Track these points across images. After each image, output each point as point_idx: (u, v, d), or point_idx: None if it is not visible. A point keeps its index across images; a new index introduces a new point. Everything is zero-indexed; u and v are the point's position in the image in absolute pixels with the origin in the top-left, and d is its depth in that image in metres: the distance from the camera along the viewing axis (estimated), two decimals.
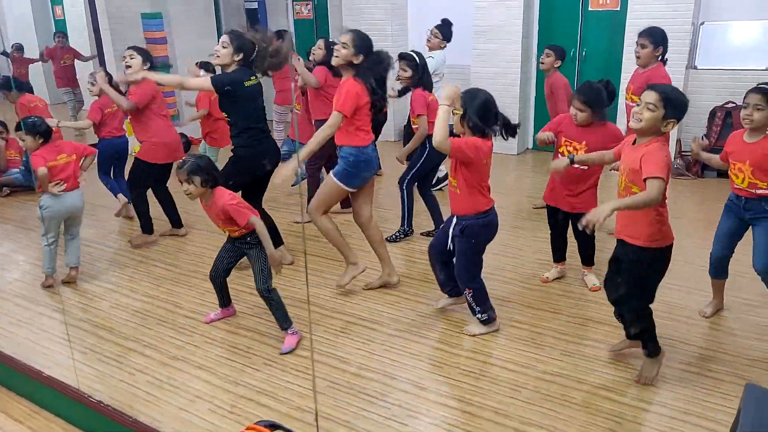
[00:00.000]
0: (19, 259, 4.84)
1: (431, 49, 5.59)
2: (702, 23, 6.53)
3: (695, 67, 6.53)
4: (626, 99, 4.56)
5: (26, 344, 3.54)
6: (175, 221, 5.10)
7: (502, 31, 7.15)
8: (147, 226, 4.93)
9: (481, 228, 3.28)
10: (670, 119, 2.61)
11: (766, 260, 3.23)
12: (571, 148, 3.73)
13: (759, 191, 3.16)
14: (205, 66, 6.04)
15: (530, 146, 7.67)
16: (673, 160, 6.39)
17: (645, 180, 2.55)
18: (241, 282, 4.17)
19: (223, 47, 3.88)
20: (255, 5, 9.55)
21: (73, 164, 4.10)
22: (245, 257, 3.48)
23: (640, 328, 2.92)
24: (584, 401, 2.91)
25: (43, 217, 4.08)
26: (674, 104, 2.61)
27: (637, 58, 4.39)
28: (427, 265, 4.25)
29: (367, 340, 3.47)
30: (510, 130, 3.22)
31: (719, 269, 3.51)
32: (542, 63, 5.29)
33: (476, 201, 3.24)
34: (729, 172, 3.32)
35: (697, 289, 3.84)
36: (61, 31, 9.65)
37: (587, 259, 4.03)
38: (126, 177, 5.09)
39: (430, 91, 4.68)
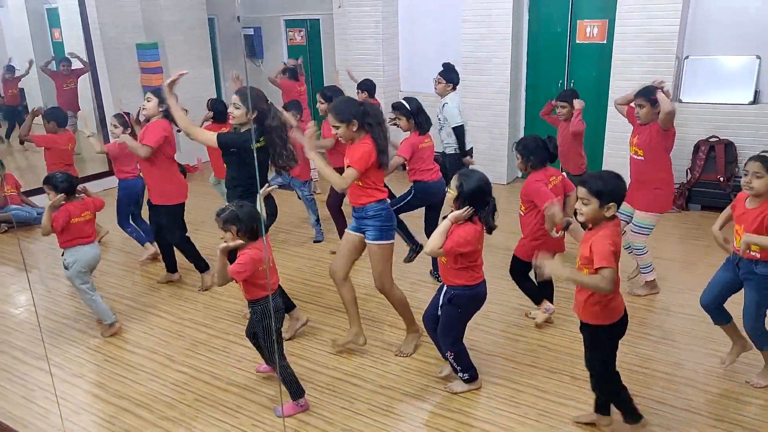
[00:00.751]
0: (18, 302, 4.95)
1: (441, 95, 5.49)
2: (686, 57, 6.65)
3: (680, 101, 6.63)
4: (631, 152, 4.55)
5: (22, 404, 3.64)
6: (172, 265, 5.21)
7: (491, 62, 7.27)
8: (201, 265, 5.03)
9: (469, 299, 3.38)
10: (609, 204, 2.73)
11: (751, 322, 3.38)
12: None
13: (752, 254, 3.26)
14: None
15: (519, 175, 7.79)
16: None
17: (596, 270, 2.69)
18: (234, 333, 4.30)
19: (236, 108, 3.95)
20: (251, 32, 9.67)
21: (91, 222, 4.27)
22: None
23: (609, 393, 3.06)
24: None
25: (75, 274, 4.20)
26: (606, 191, 2.72)
27: (638, 117, 4.44)
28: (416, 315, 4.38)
29: (352, 399, 3.59)
30: (492, 220, 3.27)
31: (716, 315, 3.58)
32: (560, 114, 5.43)
33: (466, 276, 3.32)
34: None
35: (668, 340, 3.97)
36: (66, 58, 9.63)
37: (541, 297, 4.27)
38: (149, 223, 5.18)
39: (424, 132, 4.76)
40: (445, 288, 3.42)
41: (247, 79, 9.44)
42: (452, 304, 3.38)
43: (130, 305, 4.82)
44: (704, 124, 6.51)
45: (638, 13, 6.39)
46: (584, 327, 2.99)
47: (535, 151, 3.89)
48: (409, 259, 5.04)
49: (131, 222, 5.55)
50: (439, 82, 5.47)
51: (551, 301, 4.27)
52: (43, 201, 6.84)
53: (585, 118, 5.39)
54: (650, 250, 4.56)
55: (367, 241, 3.76)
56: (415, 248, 4.99)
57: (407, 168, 4.78)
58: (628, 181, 3.91)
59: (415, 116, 4.71)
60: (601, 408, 3.16)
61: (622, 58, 6.62)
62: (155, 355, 4.11)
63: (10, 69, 8.34)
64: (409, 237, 5.03)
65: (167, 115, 4.59)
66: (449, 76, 5.49)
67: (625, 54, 6.57)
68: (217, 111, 6.19)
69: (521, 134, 7.72)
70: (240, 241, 3.14)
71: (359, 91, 5.98)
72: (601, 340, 2.94)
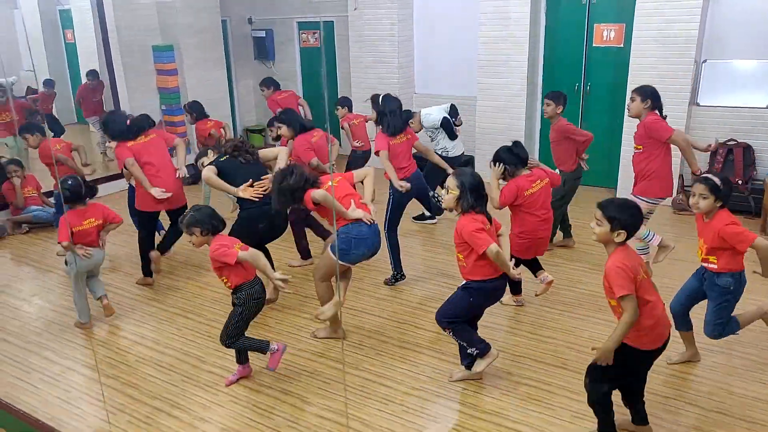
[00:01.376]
0: (43, 305, 4.98)
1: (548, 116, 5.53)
2: (704, 61, 6.68)
3: (698, 104, 6.67)
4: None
5: (57, 403, 3.68)
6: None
7: (507, 65, 7.30)
8: None
9: (483, 292, 3.49)
10: (619, 231, 2.79)
11: (711, 330, 3.62)
12: None
13: (710, 266, 3.48)
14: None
15: None
16: (675, 194, 6.58)
17: (619, 300, 2.76)
18: (262, 335, 4.33)
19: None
20: (263, 34, 9.70)
21: (98, 227, 4.33)
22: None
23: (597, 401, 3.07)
24: None
25: (71, 272, 4.31)
26: (619, 218, 2.78)
27: (628, 109, 4.76)
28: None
29: (386, 400, 3.61)
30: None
31: (679, 321, 3.72)
32: (545, 112, 5.40)
33: (483, 271, 3.41)
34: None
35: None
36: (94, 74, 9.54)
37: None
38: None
39: (393, 134, 5.00)
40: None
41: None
42: (465, 290, 3.50)
43: (157, 307, 4.85)
44: (722, 127, 6.54)
45: (657, 17, 6.41)
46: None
47: (508, 159, 4.11)
48: (390, 282, 5.06)
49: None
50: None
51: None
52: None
53: (600, 122, 5.45)
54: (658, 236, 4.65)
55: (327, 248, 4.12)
56: (397, 277, 5.07)
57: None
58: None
59: (382, 115, 5.03)
60: (641, 419, 3.16)
61: (639, 62, 6.64)
62: (186, 357, 4.13)
63: (50, 83, 8.35)
64: (396, 263, 5.06)
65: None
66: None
67: (642, 58, 6.60)
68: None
69: (537, 137, 7.76)
70: (202, 239, 3.53)
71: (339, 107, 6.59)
72: (629, 362, 2.92)
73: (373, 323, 4.47)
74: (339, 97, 7.54)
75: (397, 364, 3.96)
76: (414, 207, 5.78)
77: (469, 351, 3.61)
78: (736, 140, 6.45)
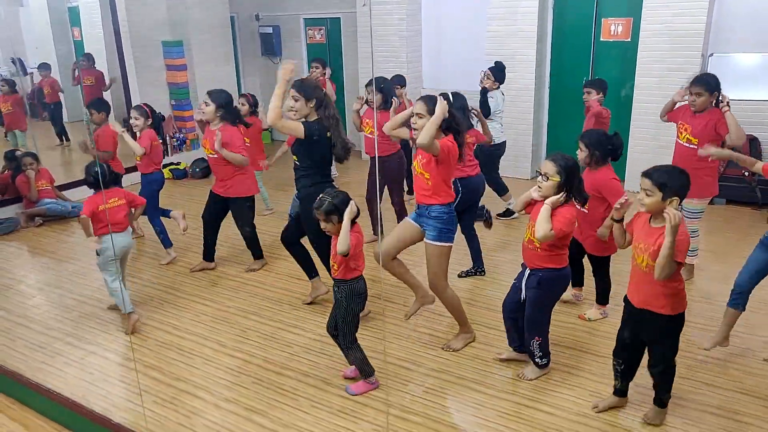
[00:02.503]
0: (62, 293, 5.03)
1: (488, 90, 5.99)
2: (711, 54, 6.75)
3: None
4: (681, 140, 4.52)
5: (83, 386, 3.73)
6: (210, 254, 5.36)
7: (516, 59, 7.36)
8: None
9: (557, 280, 3.43)
10: (672, 198, 2.80)
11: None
12: None
13: None
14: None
15: None
16: None
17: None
18: (281, 320, 4.40)
19: (295, 100, 4.05)
20: (269, 30, 9.77)
21: (124, 208, 4.36)
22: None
23: (670, 383, 3.15)
24: None
25: (103, 261, 4.30)
26: (671, 185, 2.80)
27: (693, 106, 4.40)
28: (466, 308, 4.47)
29: (406, 381, 3.67)
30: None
31: (741, 299, 3.65)
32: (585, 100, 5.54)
33: (556, 259, 3.37)
34: None
35: (713, 326, 4.05)
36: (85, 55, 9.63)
37: (599, 298, 4.31)
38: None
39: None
40: (528, 272, 3.44)
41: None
42: (541, 287, 3.40)
43: (174, 294, 4.91)
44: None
45: (664, 11, 6.49)
46: (647, 317, 2.98)
47: (599, 145, 3.86)
48: (465, 274, 5.07)
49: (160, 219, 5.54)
50: (488, 78, 5.87)
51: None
52: (75, 195, 6.98)
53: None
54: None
55: (427, 240, 3.77)
56: (478, 271, 5.09)
57: None
58: None
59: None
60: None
61: (647, 56, 6.72)
62: (206, 341, 4.19)
63: (45, 66, 8.32)
64: (478, 256, 5.07)
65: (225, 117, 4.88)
66: (498, 74, 6.02)
67: (650, 52, 6.68)
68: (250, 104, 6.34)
69: (545, 131, 7.84)
70: (338, 226, 3.28)
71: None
72: (671, 331, 2.99)
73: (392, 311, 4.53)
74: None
75: (415, 349, 4.02)
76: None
77: (537, 360, 3.58)
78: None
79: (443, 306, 3.98)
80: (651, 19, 6.60)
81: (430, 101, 3.58)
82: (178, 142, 8.79)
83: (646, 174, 2.86)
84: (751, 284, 3.64)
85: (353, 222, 3.27)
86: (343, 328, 3.47)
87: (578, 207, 3.45)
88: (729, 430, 3.17)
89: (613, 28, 7.13)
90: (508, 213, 6.36)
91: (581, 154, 3.89)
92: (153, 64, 8.46)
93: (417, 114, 3.61)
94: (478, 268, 5.07)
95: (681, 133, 4.47)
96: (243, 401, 3.53)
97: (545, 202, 3.22)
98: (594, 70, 7.34)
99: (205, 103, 4.84)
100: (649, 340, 3.07)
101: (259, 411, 3.44)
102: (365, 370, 3.55)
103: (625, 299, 3.11)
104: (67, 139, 8.38)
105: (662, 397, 3.18)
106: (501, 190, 6.27)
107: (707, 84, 4.31)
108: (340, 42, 9.46)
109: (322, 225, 3.33)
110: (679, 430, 3.18)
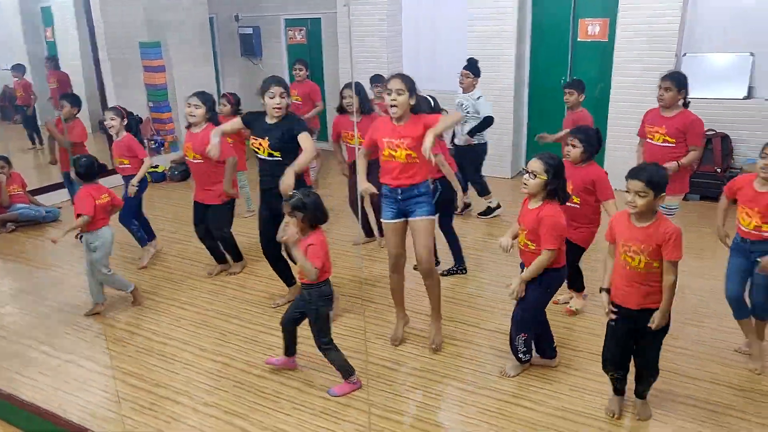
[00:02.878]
0: (36, 300, 4.93)
1: (465, 89, 6.00)
2: (684, 54, 6.85)
3: None
4: (656, 141, 4.48)
5: (58, 395, 3.66)
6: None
7: (496, 60, 7.40)
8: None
9: (558, 280, 3.47)
10: (661, 194, 2.86)
11: (762, 297, 3.53)
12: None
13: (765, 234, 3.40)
14: None
15: (521, 170, 7.94)
16: None
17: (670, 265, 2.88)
18: (262, 323, 4.37)
19: (282, 98, 4.03)
20: (249, 31, 9.71)
21: (110, 203, 4.43)
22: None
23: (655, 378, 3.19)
24: None
25: (103, 256, 4.37)
26: (659, 181, 2.85)
27: (662, 100, 4.44)
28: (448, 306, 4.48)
29: (390, 381, 3.67)
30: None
31: (742, 307, 3.65)
32: (568, 101, 5.49)
33: (557, 258, 3.38)
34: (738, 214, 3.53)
35: (693, 321, 4.12)
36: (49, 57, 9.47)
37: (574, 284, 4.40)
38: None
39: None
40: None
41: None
42: (543, 287, 3.41)
43: (152, 299, 4.85)
44: (701, 118, 6.68)
45: (639, 12, 6.58)
46: (646, 315, 2.99)
47: (592, 141, 3.94)
48: (447, 272, 5.05)
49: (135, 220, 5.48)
50: (466, 77, 5.82)
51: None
52: (50, 199, 6.88)
53: None
54: None
55: (418, 217, 3.74)
56: (459, 269, 5.10)
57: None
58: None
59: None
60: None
61: (623, 56, 6.80)
62: (186, 346, 4.14)
63: (19, 68, 8.18)
64: (459, 255, 5.09)
65: (212, 120, 4.80)
66: (474, 69, 5.89)
67: (626, 51, 6.76)
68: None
69: (525, 131, 7.88)
70: (302, 225, 3.28)
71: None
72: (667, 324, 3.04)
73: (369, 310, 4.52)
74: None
75: (399, 349, 4.02)
76: None
77: (520, 356, 3.60)
78: (714, 130, 6.62)
79: (422, 305, 3.97)
80: (627, 20, 6.68)
81: (406, 79, 3.60)
82: (156, 144, 8.69)
83: (636, 176, 2.85)
84: (741, 290, 3.63)
85: (315, 226, 3.31)
86: (317, 332, 3.47)
87: (569, 203, 3.56)
88: (711, 420, 3.22)
89: (590, 29, 7.20)
90: (488, 211, 6.39)
91: (575, 150, 3.93)
92: (130, 65, 8.35)
93: (397, 90, 3.59)
94: (459, 266, 5.08)
95: (654, 135, 4.50)
96: (224, 405, 3.50)
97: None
98: (572, 69, 7.41)
99: (195, 105, 4.76)
100: (646, 339, 3.07)
101: (240, 414, 3.41)
102: (346, 370, 3.54)
103: (617, 307, 3.07)
104: (41, 143, 8.25)
105: (646, 388, 3.22)
106: (483, 190, 6.31)
107: (677, 80, 4.41)
108: (320, 43, 9.44)
109: (286, 218, 3.30)
110: (664, 424, 3.22)
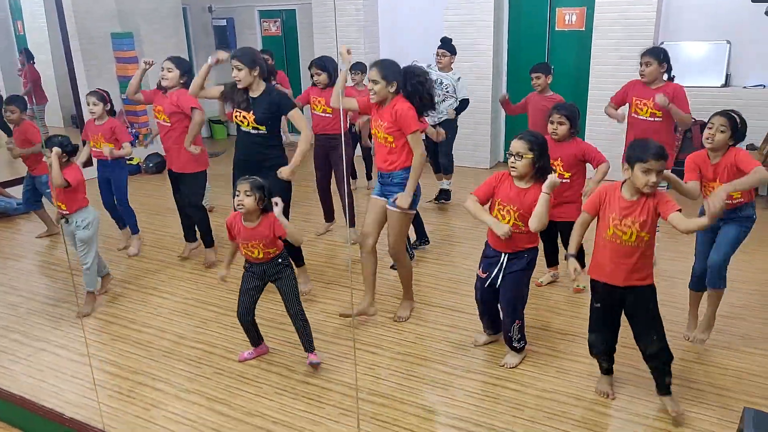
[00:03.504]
0: (5, 291, 4.78)
1: (443, 68, 5.93)
2: (662, 43, 6.90)
3: None
4: (643, 115, 4.55)
5: (32, 383, 3.55)
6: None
7: (474, 49, 7.39)
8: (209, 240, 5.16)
9: (537, 257, 3.47)
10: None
11: (720, 256, 3.51)
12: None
13: (735, 201, 3.43)
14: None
15: (501, 159, 7.95)
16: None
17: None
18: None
19: (239, 70, 3.94)
20: (223, 23, 9.58)
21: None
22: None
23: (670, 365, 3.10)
24: (583, 417, 3.12)
25: (94, 233, 4.26)
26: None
27: (643, 76, 4.49)
28: (421, 287, 4.44)
29: (372, 365, 3.61)
30: None
31: (699, 282, 3.71)
32: (538, 85, 5.29)
33: (536, 237, 3.40)
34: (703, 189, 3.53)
35: (671, 302, 4.13)
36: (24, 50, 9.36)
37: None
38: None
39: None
40: (508, 257, 3.36)
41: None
42: (529, 267, 3.40)
43: (130, 288, 4.73)
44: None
45: (616, 1, 6.62)
46: (631, 294, 2.97)
47: (575, 117, 4.05)
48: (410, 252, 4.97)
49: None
50: (444, 56, 5.79)
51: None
52: (20, 192, 6.68)
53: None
54: None
55: (389, 206, 3.80)
56: (422, 242, 5.11)
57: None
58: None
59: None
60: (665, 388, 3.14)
61: (600, 44, 6.84)
62: (165, 334, 4.05)
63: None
64: (421, 230, 5.09)
65: (186, 85, 4.66)
66: (450, 47, 5.86)
67: (603, 40, 6.80)
68: None
69: (503, 120, 7.89)
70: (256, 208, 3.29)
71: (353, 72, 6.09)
72: (654, 301, 3.00)
73: (344, 294, 4.47)
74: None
75: (379, 332, 3.97)
76: None
77: (515, 344, 3.55)
78: (694, 118, 6.68)
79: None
80: (604, 9, 6.72)
81: (383, 67, 3.62)
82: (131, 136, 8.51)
83: (662, 156, 2.78)
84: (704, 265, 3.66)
85: (266, 210, 3.33)
86: (298, 308, 3.48)
87: (561, 179, 3.70)
88: (686, 398, 3.22)
89: (568, 18, 7.23)
90: (442, 195, 6.30)
91: (562, 127, 3.98)
92: (102, 56, 8.18)
93: (372, 80, 3.65)
94: (421, 240, 5.18)
95: (641, 109, 4.51)
96: (204, 391, 3.42)
97: (543, 191, 3.13)
98: (550, 59, 7.43)
99: (168, 69, 4.67)
100: (638, 320, 3.02)
101: (221, 400, 3.33)
102: (310, 344, 3.57)
103: (600, 286, 3.04)
104: (9, 135, 8.01)
105: (665, 378, 3.09)
106: (449, 168, 6.19)
107: (655, 53, 4.44)
108: (296, 34, 9.35)
109: (242, 197, 3.24)
110: (645, 401, 3.22)
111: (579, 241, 3.12)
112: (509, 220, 3.30)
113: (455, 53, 5.98)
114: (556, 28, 7.32)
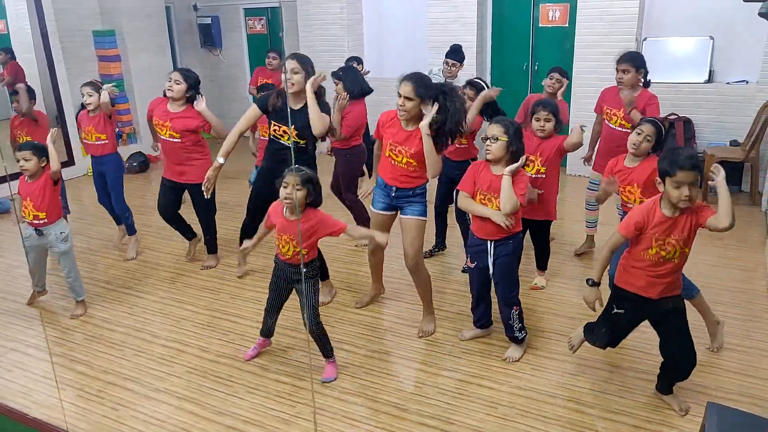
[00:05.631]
0: None
1: (452, 77, 5.77)
2: (645, 39, 6.89)
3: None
4: (613, 124, 4.48)
5: (1, 383, 3.49)
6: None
7: None
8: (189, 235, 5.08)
9: (521, 241, 3.50)
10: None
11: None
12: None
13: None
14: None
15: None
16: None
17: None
18: (218, 309, 4.24)
19: (295, 73, 3.85)
20: (208, 21, 9.52)
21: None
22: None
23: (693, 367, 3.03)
24: (556, 414, 3.09)
25: (71, 245, 4.14)
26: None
27: (621, 83, 4.36)
28: (398, 284, 4.40)
29: (346, 364, 3.58)
30: None
31: None
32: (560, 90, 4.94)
33: (518, 222, 3.41)
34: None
35: None
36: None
37: (543, 264, 4.45)
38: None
39: None
40: (494, 244, 3.37)
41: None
42: (515, 253, 3.43)
43: (105, 287, 4.68)
44: (663, 102, 6.60)
45: None
46: (665, 304, 2.90)
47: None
48: (429, 254, 4.98)
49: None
50: (453, 66, 5.66)
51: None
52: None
53: None
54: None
55: (408, 216, 3.67)
56: (440, 248, 5.05)
57: None
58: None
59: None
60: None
61: (584, 41, 6.82)
62: (139, 333, 3.99)
63: None
64: (442, 233, 5.02)
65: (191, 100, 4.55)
66: (458, 56, 5.75)
67: (587, 36, 6.78)
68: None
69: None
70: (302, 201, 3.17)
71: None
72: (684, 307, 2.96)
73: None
74: None
75: (358, 332, 3.94)
76: None
77: (517, 334, 3.55)
78: (677, 114, 6.68)
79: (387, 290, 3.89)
80: (586, 5, 6.71)
81: (420, 84, 3.42)
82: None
83: (694, 167, 2.64)
84: None
85: (313, 206, 3.25)
86: (316, 309, 3.34)
87: (533, 174, 3.76)
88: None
89: (551, 14, 7.21)
90: None
91: (549, 124, 3.95)
92: (83, 54, 8.11)
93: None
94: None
95: (612, 118, 4.48)
96: (175, 390, 3.37)
97: (505, 173, 3.18)
98: (534, 55, 7.41)
99: (176, 81, 4.45)
100: (669, 327, 2.96)
101: (192, 399, 3.28)
102: (329, 349, 3.46)
103: (631, 296, 2.93)
104: None
105: (679, 380, 3.09)
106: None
107: (633, 60, 4.35)
108: (281, 32, 9.30)
109: (290, 190, 3.11)
110: (618, 397, 3.19)
111: (606, 265, 2.99)
112: (492, 207, 3.33)
113: (461, 62, 5.83)
114: (540, 25, 7.29)
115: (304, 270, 3.28)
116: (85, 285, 4.57)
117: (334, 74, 4.98)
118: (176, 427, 3.08)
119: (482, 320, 3.74)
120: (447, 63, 5.78)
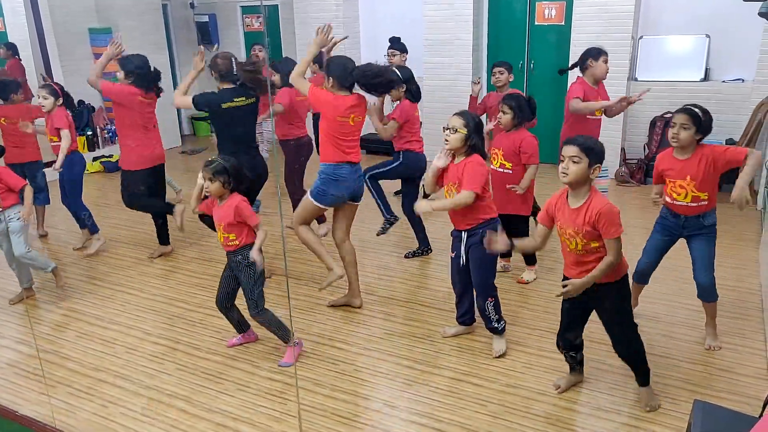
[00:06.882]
0: None
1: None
2: (641, 37, 6.88)
3: (636, 79, 6.87)
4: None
5: None
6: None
7: (453, 44, 7.36)
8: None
9: (493, 229, 3.37)
10: (596, 165, 2.71)
11: (707, 273, 3.43)
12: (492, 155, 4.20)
13: (701, 204, 3.31)
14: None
15: None
16: (619, 167, 6.77)
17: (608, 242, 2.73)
18: (210, 306, 4.24)
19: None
20: (205, 19, 9.51)
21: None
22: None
23: (640, 355, 3.05)
24: (545, 412, 3.08)
25: (26, 232, 4.19)
26: (595, 149, 2.72)
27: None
28: (391, 282, 4.41)
29: (337, 361, 3.57)
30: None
31: (645, 277, 3.73)
32: (499, 80, 5.14)
33: (487, 208, 3.41)
34: (668, 189, 3.43)
35: (647, 297, 4.10)
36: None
37: (529, 259, 4.51)
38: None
39: (416, 101, 4.75)
40: (466, 234, 3.41)
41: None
42: (483, 243, 3.34)
43: (98, 285, 4.68)
44: (659, 101, 6.75)
45: None
46: (597, 291, 2.88)
47: (522, 108, 4.06)
48: (382, 231, 4.98)
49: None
50: (393, 55, 5.76)
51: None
52: None
53: (544, 100, 5.57)
54: None
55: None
56: (390, 220, 4.98)
57: (395, 135, 4.69)
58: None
59: (408, 84, 4.64)
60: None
61: (580, 38, 6.79)
62: (131, 330, 4.00)
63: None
64: (386, 207, 4.99)
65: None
66: (398, 45, 5.86)
67: (583, 35, 6.76)
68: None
69: (483, 115, 7.83)
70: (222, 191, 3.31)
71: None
72: (622, 296, 2.94)
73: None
74: None
75: (346, 328, 3.93)
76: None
77: (495, 325, 3.56)
78: (672, 113, 6.66)
79: (371, 287, 3.88)
80: (583, 2, 6.69)
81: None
82: (110, 134, 8.44)
83: (571, 142, 2.72)
84: (653, 267, 3.66)
85: (234, 191, 3.35)
86: (254, 296, 3.41)
87: (497, 167, 3.86)
88: (654, 391, 3.19)
89: (547, 12, 7.20)
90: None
91: (505, 116, 4.01)
92: (79, 52, 8.10)
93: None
94: (424, 248, 5.03)
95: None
96: (165, 388, 3.37)
97: (434, 164, 3.38)
98: (530, 53, 7.40)
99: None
100: (605, 314, 2.98)
101: (182, 397, 3.28)
102: (284, 335, 3.49)
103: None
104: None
105: (644, 373, 3.06)
106: None
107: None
108: (278, 30, 9.28)
109: (206, 184, 3.28)
110: (607, 395, 3.19)
111: (525, 242, 3.27)
112: (451, 197, 3.40)
113: (406, 51, 5.97)
114: (536, 23, 7.28)
115: (237, 258, 3.36)
116: (75, 282, 4.60)
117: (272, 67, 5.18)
118: (165, 423, 3.08)
119: (465, 316, 3.75)
120: (387, 54, 5.95)
